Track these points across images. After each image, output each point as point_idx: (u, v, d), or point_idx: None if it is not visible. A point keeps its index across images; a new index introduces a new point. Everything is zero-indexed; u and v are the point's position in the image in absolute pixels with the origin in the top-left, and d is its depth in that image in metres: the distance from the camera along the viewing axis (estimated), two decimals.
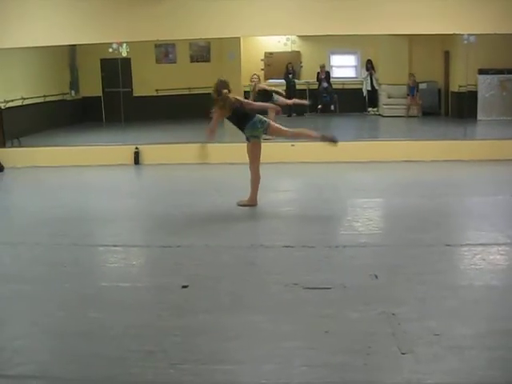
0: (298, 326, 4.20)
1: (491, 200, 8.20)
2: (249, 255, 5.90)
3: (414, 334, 4.01)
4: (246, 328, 4.18)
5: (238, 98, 7.72)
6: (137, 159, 11.61)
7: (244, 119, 7.53)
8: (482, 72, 17.16)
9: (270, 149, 11.33)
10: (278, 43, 18.61)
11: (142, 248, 6.42)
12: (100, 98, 17.57)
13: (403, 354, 3.71)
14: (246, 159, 7.73)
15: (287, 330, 4.14)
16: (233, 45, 17.16)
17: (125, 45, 12.18)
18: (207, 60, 18.39)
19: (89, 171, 10.98)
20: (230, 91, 7.51)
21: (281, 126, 7.72)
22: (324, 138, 7.53)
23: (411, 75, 17.20)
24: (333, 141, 7.48)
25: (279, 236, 6.59)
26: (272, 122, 7.68)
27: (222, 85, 7.60)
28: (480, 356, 3.73)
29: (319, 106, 18.25)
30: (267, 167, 9.99)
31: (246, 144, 7.76)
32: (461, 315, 4.34)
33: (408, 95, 17.37)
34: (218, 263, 5.64)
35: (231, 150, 11.33)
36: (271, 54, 19.32)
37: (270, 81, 18.85)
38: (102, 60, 16.97)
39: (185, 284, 4.98)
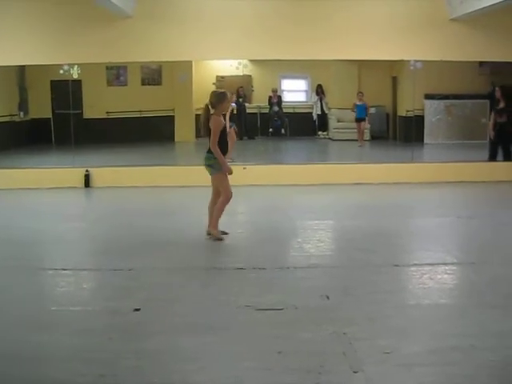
0: (251, 347, 4.21)
1: (438, 221, 8.42)
2: (201, 277, 5.90)
3: (365, 352, 4.07)
4: (200, 350, 4.17)
5: None
6: (87, 182, 11.49)
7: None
8: (428, 97, 17.67)
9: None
10: (230, 67, 18.79)
11: (93, 271, 6.34)
12: (50, 120, 17.37)
13: (355, 372, 3.77)
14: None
15: (240, 351, 4.15)
16: (184, 68, 17.26)
17: (76, 66, 12.10)
18: (158, 83, 18.42)
19: (38, 194, 10.80)
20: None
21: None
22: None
23: (359, 93, 17.33)
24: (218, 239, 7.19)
25: (231, 258, 6.62)
26: None
27: None
28: (428, 372, 3.81)
29: (270, 130, 18.45)
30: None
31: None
32: (410, 333, 4.44)
33: (358, 120, 17.27)
34: (171, 285, 5.62)
35: (184, 172, 11.37)
36: (223, 77, 19.45)
37: None
38: (52, 81, 16.80)
39: (137, 307, 4.94)
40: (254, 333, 4.46)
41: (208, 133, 7.04)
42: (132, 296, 5.30)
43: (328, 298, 5.15)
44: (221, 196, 7.13)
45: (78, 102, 17.44)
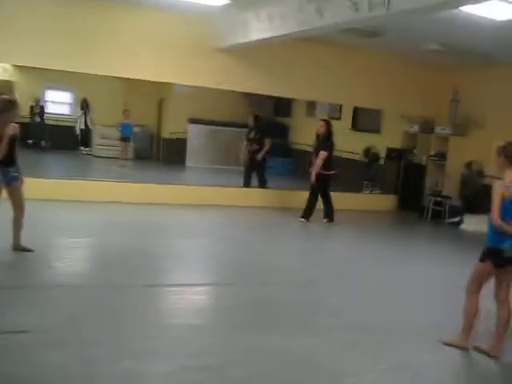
0: None
1: (195, 242, 8.59)
2: None
3: (109, 375, 3.96)
4: None
5: None
6: None
7: None
8: (192, 121, 18.17)
9: None
10: None
11: None
12: None
13: None
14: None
15: None
16: None
17: None
18: None
19: None
20: None
21: None
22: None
23: (126, 111, 16.96)
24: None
25: None
26: None
27: None
28: None
29: (30, 141, 17.55)
30: None
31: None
32: (157, 353, 4.40)
33: (124, 140, 16.94)
34: None
35: None
36: None
37: None
38: None
39: None
40: None
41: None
42: None
43: (75, 318, 4.95)
44: None
45: None
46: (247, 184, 13.09)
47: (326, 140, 11.10)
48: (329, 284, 7.00)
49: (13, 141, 6.62)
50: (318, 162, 10.86)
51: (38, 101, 18.50)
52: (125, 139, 16.79)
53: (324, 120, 11.60)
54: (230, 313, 5.60)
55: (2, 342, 4.37)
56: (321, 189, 11.14)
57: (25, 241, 6.87)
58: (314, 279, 7.14)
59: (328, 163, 10.98)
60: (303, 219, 11.04)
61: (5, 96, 7.06)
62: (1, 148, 6.46)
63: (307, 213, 11.08)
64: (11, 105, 6.69)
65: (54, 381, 3.83)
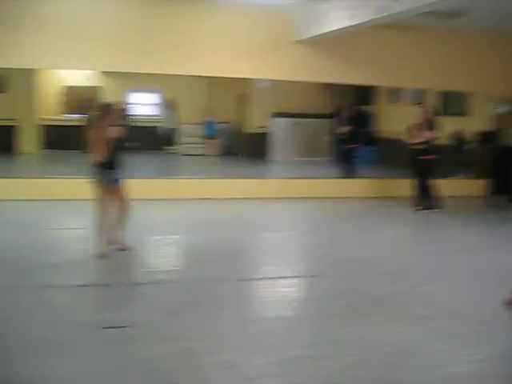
0: (92, 368, 4.08)
1: (282, 236, 8.67)
2: (39, 296, 5.60)
3: (209, 367, 4.10)
4: (38, 374, 3.97)
5: None
6: None
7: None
8: (275, 115, 18.21)
9: (62, 185, 11.05)
10: (80, 77, 18.31)
11: None
12: None
13: None
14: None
15: (81, 372, 4.01)
16: (30, 76, 16.55)
17: None
18: (2, 91, 17.47)
19: None
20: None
21: None
22: None
23: (207, 109, 17.07)
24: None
25: (71, 275, 6.34)
26: None
27: None
28: None
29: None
30: (54, 204, 9.68)
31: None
32: (252, 346, 4.52)
33: (208, 138, 17.03)
34: (5, 306, 5.29)
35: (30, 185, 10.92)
36: (71, 87, 18.90)
37: (68, 115, 18.44)
38: None
39: None
40: (95, 352, 4.34)
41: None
42: None
43: (172, 313, 5.12)
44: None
45: None
46: (343, 174, 13.08)
47: (428, 125, 10.86)
48: (420, 272, 6.90)
49: (113, 144, 6.88)
50: (429, 134, 10.66)
51: (124, 104, 19.06)
52: (210, 137, 16.92)
53: (422, 105, 11.38)
54: (321, 304, 5.64)
55: (104, 337, 4.60)
56: (424, 173, 10.94)
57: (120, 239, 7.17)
58: (405, 268, 7.06)
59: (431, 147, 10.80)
60: (420, 208, 10.89)
61: (104, 102, 7.37)
62: (100, 151, 6.76)
63: (423, 201, 10.93)
64: (110, 109, 7.01)
65: (156, 373, 3.99)
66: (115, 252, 7.06)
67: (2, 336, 4.60)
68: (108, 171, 6.90)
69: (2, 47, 10.51)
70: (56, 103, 18.91)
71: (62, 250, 7.48)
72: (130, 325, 4.83)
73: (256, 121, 18.53)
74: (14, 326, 4.82)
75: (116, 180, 7.00)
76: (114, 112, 7.03)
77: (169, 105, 19.30)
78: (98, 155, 6.78)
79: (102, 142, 6.77)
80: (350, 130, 12.95)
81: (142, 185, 11.13)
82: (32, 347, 4.39)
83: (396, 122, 15.59)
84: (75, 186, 10.84)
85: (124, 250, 7.13)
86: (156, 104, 20.38)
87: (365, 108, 18.79)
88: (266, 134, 18.25)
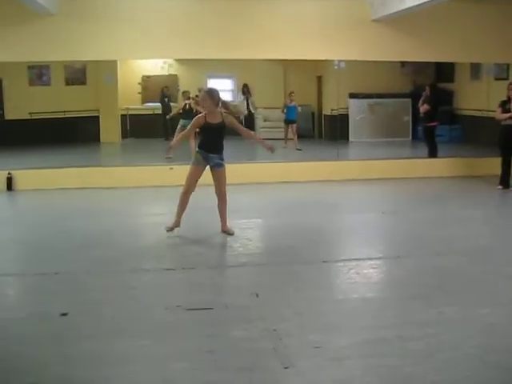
0: (181, 348, 4.20)
1: (363, 217, 8.62)
2: (129, 279, 5.81)
3: (295, 348, 4.13)
4: (131, 353, 4.13)
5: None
6: (10, 185, 11.14)
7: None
8: (352, 96, 18.01)
9: (146, 172, 11.35)
10: (156, 66, 18.64)
11: (18, 276, 6.16)
12: None
13: (285, 368, 3.82)
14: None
15: (171, 352, 4.13)
16: (110, 68, 16.99)
17: None
18: (83, 83, 18.04)
19: None
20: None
21: None
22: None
23: (291, 93, 16.71)
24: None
25: (159, 259, 6.56)
26: None
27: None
28: (358, 365, 3.91)
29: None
30: (145, 191, 9.99)
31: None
32: (338, 327, 4.53)
33: (287, 123, 16.72)
34: (99, 288, 5.53)
35: (110, 173, 11.26)
36: (148, 77, 19.28)
37: (147, 104, 18.83)
38: None
39: (64, 312, 4.84)
40: (184, 333, 4.45)
41: None
42: (59, 301, 5.18)
43: (257, 295, 5.19)
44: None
45: None
46: (424, 154, 12.84)
47: None
48: (506, 253, 6.69)
49: (217, 129, 7.15)
50: None
51: (200, 90, 19.28)
52: (289, 122, 16.62)
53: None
54: (403, 285, 5.57)
55: (190, 318, 4.72)
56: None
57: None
58: (491, 248, 6.87)
59: None
60: (508, 187, 10.61)
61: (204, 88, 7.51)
62: (186, 134, 7.44)
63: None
64: (212, 95, 7.20)
65: (245, 352, 4.07)
66: (198, 237, 7.23)
67: (97, 317, 4.79)
68: (208, 155, 7.18)
69: (79, 41, 10.86)
70: (135, 93, 19.35)
71: (148, 235, 7.71)
72: (217, 306, 4.94)
73: (333, 102, 18.37)
74: (106, 308, 5.01)
75: (218, 165, 7.23)
76: (215, 97, 7.17)
77: (245, 90, 19.38)
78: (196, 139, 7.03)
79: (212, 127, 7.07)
80: (430, 109, 12.67)
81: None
82: (125, 328, 4.56)
83: (478, 99, 15.12)
84: (156, 173, 11.15)
85: (230, 234, 7.33)
86: (232, 89, 20.52)
87: (445, 86, 18.31)
88: (344, 115, 18.08)
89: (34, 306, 5.16)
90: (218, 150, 7.27)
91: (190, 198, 7.33)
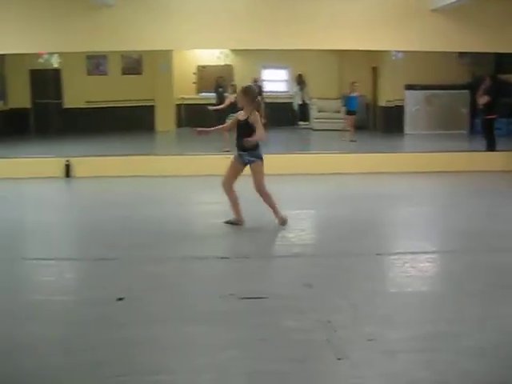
0: (234, 336, 4.22)
1: (419, 210, 8.49)
2: (184, 266, 5.89)
3: (349, 340, 4.11)
4: (184, 339, 4.18)
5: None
6: (68, 172, 11.41)
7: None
8: (408, 87, 17.73)
9: (204, 161, 11.45)
10: (211, 56, 18.75)
11: (76, 261, 6.31)
12: (29, 110, 17.21)
13: (339, 359, 3.80)
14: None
15: (224, 339, 4.17)
16: (165, 58, 17.18)
17: (56, 55, 12.01)
18: (139, 72, 18.31)
19: (18, 184, 10.71)
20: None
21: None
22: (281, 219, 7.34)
23: (353, 83, 16.19)
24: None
25: (213, 247, 6.62)
26: None
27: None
28: (411, 359, 3.86)
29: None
30: (201, 180, 10.08)
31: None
32: (392, 320, 4.47)
33: (349, 114, 16.24)
34: (154, 275, 5.61)
35: (165, 162, 11.39)
36: (204, 67, 19.42)
37: (202, 94, 18.96)
38: (31, 71, 16.66)
39: (120, 296, 4.94)
40: (238, 321, 4.47)
41: None
42: (115, 286, 5.29)
43: (311, 286, 5.18)
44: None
45: (58, 92, 17.35)
46: (483, 147, 12.56)
47: None
48: None
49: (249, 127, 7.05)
50: None
51: (255, 80, 19.29)
52: (351, 112, 16.24)
53: None
54: (461, 280, 5.47)
55: (243, 307, 4.74)
56: None
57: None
58: None
59: None
60: None
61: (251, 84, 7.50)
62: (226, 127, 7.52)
63: None
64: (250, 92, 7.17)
65: (298, 343, 4.06)
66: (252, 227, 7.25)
67: (152, 303, 4.86)
68: (240, 153, 7.16)
69: (136, 32, 11.01)
70: (190, 83, 19.51)
71: (202, 224, 7.78)
72: (270, 296, 4.95)
73: (389, 93, 18.15)
74: (161, 294, 5.09)
75: (249, 162, 7.17)
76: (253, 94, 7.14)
77: (300, 80, 19.33)
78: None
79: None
80: (488, 101, 12.38)
81: (276, 160, 11.32)
82: (179, 315, 4.61)
83: None
84: (210, 162, 11.21)
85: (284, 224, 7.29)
86: (287, 80, 20.48)
87: (506, 77, 17.84)
88: (400, 106, 17.83)
89: (91, 290, 5.28)
90: (247, 148, 7.10)
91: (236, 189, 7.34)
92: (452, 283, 5.47)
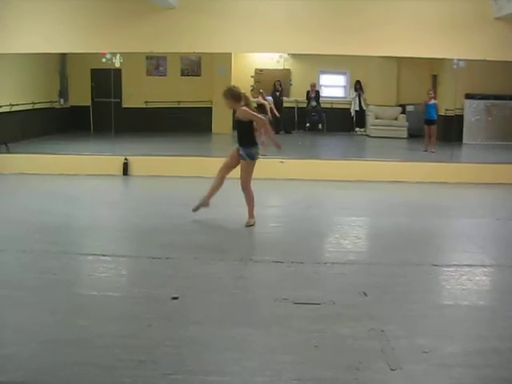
0: (288, 341, 4.23)
1: (477, 222, 8.33)
2: (238, 269, 5.92)
3: (403, 351, 4.06)
4: (237, 341, 4.21)
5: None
6: (125, 170, 11.61)
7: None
8: (468, 96, 17.38)
9: (259, 165, 11.46)
10: (271, 60, 18.78)
11: (132, 258, 6.41)
12: (89, 108, 17.58)
13: (392, 370, 3.76)
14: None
15: (277, 344, 4.18)
16: (224, 60, 17.28)
17: (118, 55, 12.24)
18: (198, 74, 18.47)
19: (77, 180, 10.97)
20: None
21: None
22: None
23: (430, 91, 15.60)
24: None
25: (268, 251, 6.64)
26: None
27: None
28: (467, 374, 3.79)
29: (307, 125, 18.36)
30: (257, 183, 10.05)
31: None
32: (448, 334, 4.40)
33: (427, 124, 15.36)
34: (208, 276, 5.66)
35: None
36: (261, 70, 19.44)
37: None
38: (92, 70, 17.02)
39: (175, 295, 5.00)
40: (291, 326, 4.48)
41: None
42: (170, 284, 5.36)
43: (366, 294, 5.14)
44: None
45: (118, 91, 17.64)
46: None
47: None
48: None
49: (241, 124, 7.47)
50: None
51: (313, 85, 19.25)
52: (429, 122, 15.40)
53: None
54: None
55: (298, 312, 4.74)
56: None
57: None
58: None
59: None
60: None
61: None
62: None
63: None
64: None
65: (350, 351, 4.05)
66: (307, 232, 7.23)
67: (206, 304, 4.92)
68: (238, 147, 7.54)
69: (196, 34, 11.12)
70: (248, 86, 19.59)
71: (257, 227, 7.76)
72: (325, 302, 4.93)
73: (448, 102, 17.83)
74: (215, 295, 5.14)
75: (241, 157, 7.50)
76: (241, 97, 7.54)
77: (358, 86, 19.18)
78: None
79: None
80: None
81: (331, 166, 11.31)
82: (233, 316, 4.65)
83: None
84: (266, 166, 11.22)
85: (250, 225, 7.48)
86: (344, 86, 20.35)
87: None
88: (459, 115, 17.49)
89: (145, 287, 5.36)
90: (242, 143, 7.52)
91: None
92: (510, 298, 5.34)
